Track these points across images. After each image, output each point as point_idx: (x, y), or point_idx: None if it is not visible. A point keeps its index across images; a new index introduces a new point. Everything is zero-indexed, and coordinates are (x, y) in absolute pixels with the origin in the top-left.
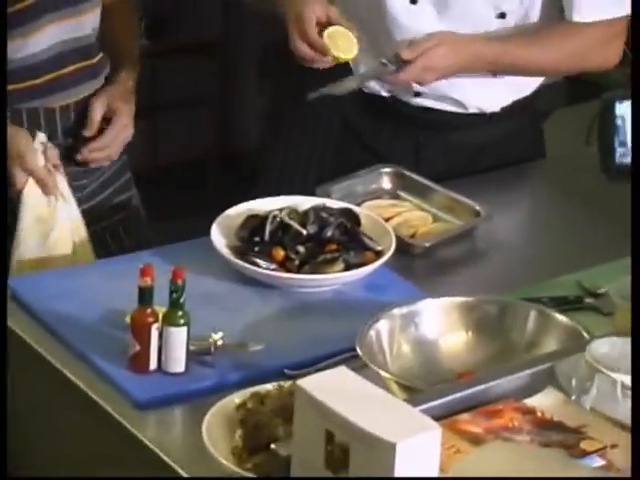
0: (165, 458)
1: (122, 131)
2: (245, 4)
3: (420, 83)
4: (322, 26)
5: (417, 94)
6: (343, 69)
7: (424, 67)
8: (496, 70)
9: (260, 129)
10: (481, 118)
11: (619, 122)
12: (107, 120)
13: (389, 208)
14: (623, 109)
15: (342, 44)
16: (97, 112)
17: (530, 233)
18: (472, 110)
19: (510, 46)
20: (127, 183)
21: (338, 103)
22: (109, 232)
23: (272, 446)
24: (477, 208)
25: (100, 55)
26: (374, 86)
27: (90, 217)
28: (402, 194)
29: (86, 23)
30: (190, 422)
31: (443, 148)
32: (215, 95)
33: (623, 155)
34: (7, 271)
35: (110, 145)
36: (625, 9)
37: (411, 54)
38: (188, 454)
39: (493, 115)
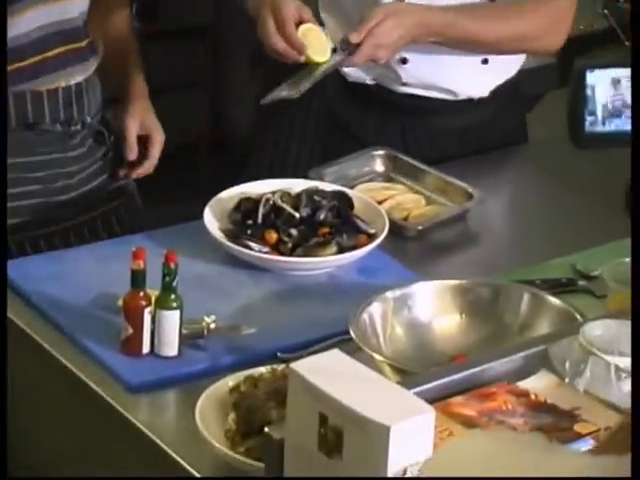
0: (158, 441)
1: (159, 145)
2: None
3: (375, 61)
4: (295, 24)
5: (404, 84)
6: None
7: (374, 45)
8: (445, 42)
9: (252, 114)
10: (469, 103)
11: (589, 91)
12: (140, 138)
13: (382, 191)
14: (594, 78)
15: (315, 44)
16: (133, 134)
17: (522, 216)
18: (462, 97)
19: (460, 18)
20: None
21: (323, 91)
22: (101, 219)
23: (265, 429)
24: (470, 190)
25: (88, 39)
26: (359, 75)
27: (84, 204)
28: (395, 176)
29: (72, 7)
30: (183, 405)
31: (429, 133)
32: (207, 79)
33: (592, 124)
34: (5, 264)
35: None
36: None
37: (359, 36)
38: (181, 437)
39: (481, 100)
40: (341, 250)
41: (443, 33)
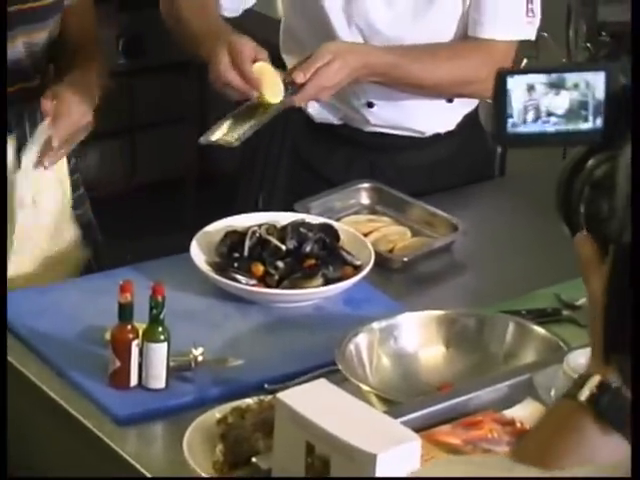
0: (146, 473)
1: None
2: None
3: (316, 100)
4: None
5: (372, 125)
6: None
7: (319, 87)
8: (387, 82)
9: (238, 148)
10: (436, 137)
11: (510, 95)
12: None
13: (367, 223)
14: (513, 83)
15: (269, 84)
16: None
17: (506, 247)
18: (429, 134)
19: (403, 60)
20: (80, 198)
21: (288, 132)
22: None
23: (253, 459)
24: (455, 222)
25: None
26: (326, 116)
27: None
28: (380, 209)
29: (18, 47)
30: (171, 437)
31: (398, 169)
32: (193, 113)
33: (513, 125)
34: (6, 274)
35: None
36: (529, 33)
37: (304, 77)
38: (169, 469)
39: (448, 133)
40: (327, 282)
41: (386, 74)
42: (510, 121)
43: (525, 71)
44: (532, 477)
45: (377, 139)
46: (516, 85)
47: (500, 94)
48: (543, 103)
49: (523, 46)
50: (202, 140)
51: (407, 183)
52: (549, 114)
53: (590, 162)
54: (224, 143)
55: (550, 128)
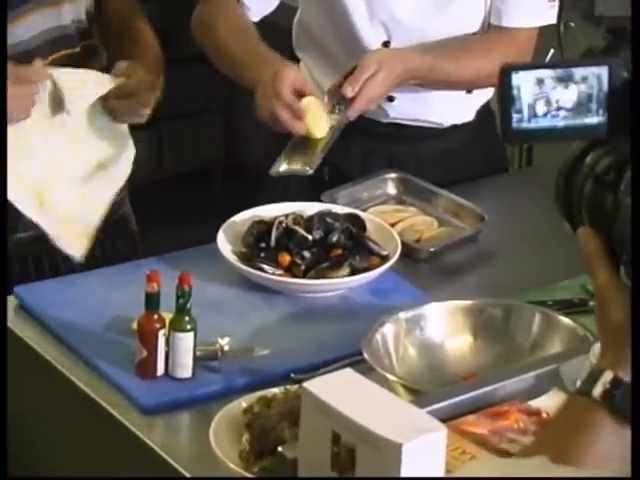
0: (173, 462)
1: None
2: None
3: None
4: (295, 94)
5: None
6: None
7: (368, 99)
8: (425, 84)
9: (266, 138)
10: (454, 128)
11: (515, 92)
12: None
13: (394, 213)
14: (518, 79)
15: (316, 118)
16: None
17: (533, 238)
18: (447, 125)
19: (438, 61)
20: (122, 200)
21: None
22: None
23: (279, 449)
24: (481, 213)
25: (82, 43)
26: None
27: None
28: (407, 199)
29: (65, 13)
30: (197, 427)
31: (416, 160)
32: (221, 104)
33: (518, 121)
34: (7, 270)
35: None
36: (551, 18)
37: (353, 91)
38: (195, 458)
39: (465, 123)
40: (353, 272)
41: (425, 77)
42: (516, 117)
43: (529, 67)
44: (536, 477)
45: (395, 131)
46: (523, 80)
47: (505, 90)
48: (553, 96)
49: (549, 36)
50: (272, 172)
51: (425, 174)
52: (558, 108)
53: (590, 156)
54: (300, 171)
55: (559, 122)
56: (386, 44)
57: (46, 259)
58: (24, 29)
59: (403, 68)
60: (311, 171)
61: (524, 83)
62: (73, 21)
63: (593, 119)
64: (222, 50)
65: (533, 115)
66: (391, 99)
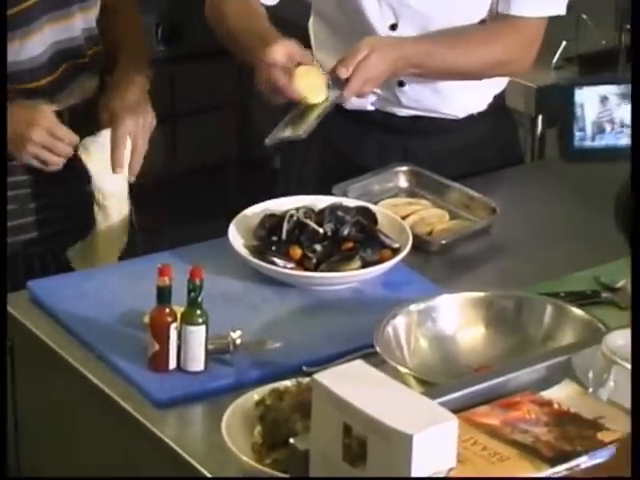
0: (185, 455)
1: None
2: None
3: (361, 96)
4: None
5: (404, 107)
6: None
7: (362, 80)
8: (424, 74)
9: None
10: (469, 119)
11: (578, 110)
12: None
13: (405, 206)
14: (582, 96)
15: (312, 84)
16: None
17: (545, 229)
18: (462, 116)
19: (437, 47)
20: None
21: (322, 121)
22: None
23: (291, 441)
24: (493, 205)
25: (90, 51)
26: (359, 102)
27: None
28: (418, 192)
29: (77, 24)
30: (209, 420)
31: (431, 154)
32: (234, 99)
33: (581, 139)
34: (6, 267)
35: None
36: (561, 8)
37: (347, 71)
38: (208, 451)
39: (480, 115)
40: (365, 265)
41: (422, 64)
42: (578, 135)
43: (594, 83)
44: (532, 477)
45: (410, 123)
46: (587, 97)
47: (569, 107)
48: (617, 114)
49: (562, 29)
50: (268, 141)
51: (440, 167)
52: (622, 125)
53: None
54: (292, 136)
55: (622, 140)
56: (393, 27)
57: (51, 258)
58: (37, 43)
59: (397, 54)
60: (304, 135)
61: (588, 100)
62: (83, 30)
63: None
64: (231, 33)
65: (597, 132)
66: (401, 84)
